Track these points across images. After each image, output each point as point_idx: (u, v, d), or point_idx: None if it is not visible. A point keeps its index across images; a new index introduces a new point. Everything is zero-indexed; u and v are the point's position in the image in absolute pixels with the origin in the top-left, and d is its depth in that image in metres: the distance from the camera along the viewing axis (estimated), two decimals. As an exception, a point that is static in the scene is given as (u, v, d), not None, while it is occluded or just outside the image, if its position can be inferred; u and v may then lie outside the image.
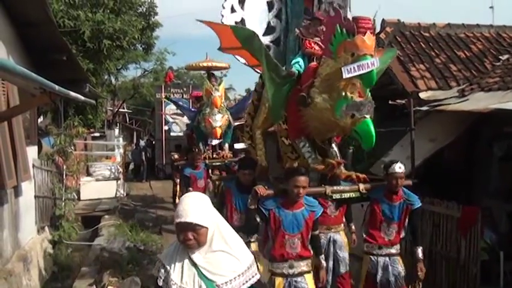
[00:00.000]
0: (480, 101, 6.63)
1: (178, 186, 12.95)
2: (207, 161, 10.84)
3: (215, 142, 11.58)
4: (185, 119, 15.15)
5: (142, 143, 26.38)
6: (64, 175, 11.78)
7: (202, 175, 10.26)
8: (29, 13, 7.72)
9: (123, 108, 33.59)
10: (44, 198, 10.10)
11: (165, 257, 2.71)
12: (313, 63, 5.23)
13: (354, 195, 5.13)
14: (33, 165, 9.36)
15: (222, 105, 11.45)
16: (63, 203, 11.01)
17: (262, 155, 5.83)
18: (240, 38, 5.28)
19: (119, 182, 15.85)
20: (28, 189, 8.77)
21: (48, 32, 8.35)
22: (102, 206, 13.92)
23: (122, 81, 30.31)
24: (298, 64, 5.28)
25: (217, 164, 11.31)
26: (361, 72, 4.34)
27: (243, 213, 5.42)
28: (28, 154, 8.67)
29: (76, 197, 13.59)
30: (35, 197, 9.39)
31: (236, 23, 5.69)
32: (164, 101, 21.37)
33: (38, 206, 9.50)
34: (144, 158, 22.74)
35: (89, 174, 16.33)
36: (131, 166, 24.24)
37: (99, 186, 15.26)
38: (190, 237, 2.49)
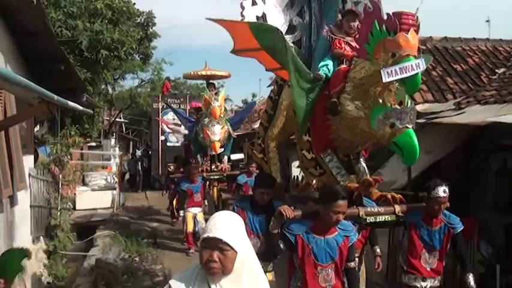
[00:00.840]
0: (476, 114, 6.66)
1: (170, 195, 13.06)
2: (204, 174, 10.50)
3: (214, 152, 10.96)
4: (183, 130, 15.00)
5: (138, 153, 26.35)
6: (60, 184, 11.73)
7: (199, 189, 9.96)
8: (27, 23, 7.74)
9: (120, 118, 33.53)
10: (39, 208, 10.05)
11: (177, 282, 2.23)
12: (344, 66, 4.64)
13: (389, 219, 4.43)
14: (30, 175, 9.32)
15: (222, 115, 10.91)
16: (58, 213, 10.96)
17: (276, 171, 5.37)
18: (258, 36, 4.75)
19: (114, 192, 15.79)
20: (24, 198, 8.73)
21: (46, 42, 8.37)
22: (97, 216, 13.86)
23: (118, 91, 30.20)
24: (326, 67, 4.72)
25: (216, 177, 10.90)
26: (404, 75, 3.83)
27: (260, 237, 4.81)
28: (24, 163, 8.65)
29: (71, 206, 13.51)
30: (31, 206, 9.34)
31: (257, 18, 5.09)
32: (161, 111, 21.42)
33: (33, 216, 9.44)
34: (140, 168, 22.69)
35: (84, 183, 16.28)
36: (127, 176, 24.18)
37: (95, 196, 15.20)
38: (215, 258, 2.09)
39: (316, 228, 3.92)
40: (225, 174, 10.83)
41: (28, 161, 9.34)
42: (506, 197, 7.30)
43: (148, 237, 11.68)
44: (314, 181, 5.12)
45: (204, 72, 12.28)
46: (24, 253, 4.06)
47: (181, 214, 10.16)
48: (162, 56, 29.39)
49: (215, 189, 11.37)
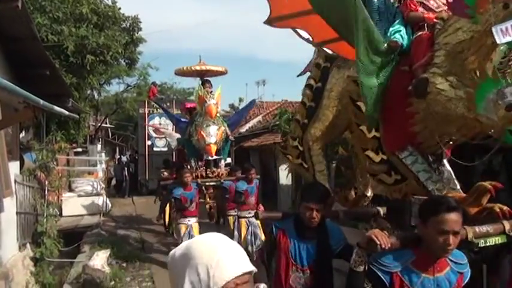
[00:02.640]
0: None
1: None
2: (199, 181, 9.50)
3: (210, 157, 10.04)
4: (176, 134, 14.36)
5: (124, 158, 26.25)
6: (46, 191, 11.63)
7: (193, 196, 9.00)
8: (12, 27, 7.68)
9: (106, 123, 33.36)
10: (25, 215, 9.95)
11: None
12: (424, 32, 3.51)
13: (499, 241, 3.20)
14: (15, 181, 9.23)
15: (218, 115, 10.01)
16: (45, 219, 10.85)
17: (325, 180, 4.39)
18: None
19: (101, 197, 15.70)
20: (10, 205, 8.64)
21: (31, 47, 8.31)
22: (84, 222, 13.76)
23: (104, 96, 30.11)
24: (399, 34, 3.63)
25: (212, 183, 9.91)
26: None
27: (306, 271, 3.57)
28: (10, 169, 8.57)
29: (58, 213, 13.41)
30: (17, 213, 9.25)
31: None
32: (148, 115, 21.37)
33: (19, 223, 9.35)
34: (126, 173, 22.61)
35: (71, 189, 16.16)
36: (113, 182, 24.08)
37: (82, 202, 15.11)
38: None
39: (420, 263, 2.70)
40: (222, 181, 9.74)
41: (14, 167, 9.25)
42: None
43: (136, 242, 11.64)
44: (370, 192, 4.46)
45: (198, 68, 11.00)
46: None
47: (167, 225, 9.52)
48: (148, 60, 29.34)
49: (209, 198, 10.64)
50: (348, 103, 4.14)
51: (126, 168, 22.94)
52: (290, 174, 13.02)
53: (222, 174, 9.99)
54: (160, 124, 21.28)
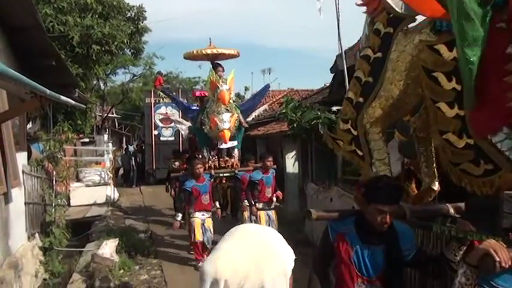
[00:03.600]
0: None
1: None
2: (212, 172, 9.13)
3: (224, 145, 9.50)
4: (187, 122, 14.21)
5: (131, 148, 26.35)
6: (54, 181, 11.71)
7: (207, 189, 8.60)
8: (18, 18, 7.70)
9: (112, 114, 33.49)
10: (34, 205, 10.02)
11: None
12: None
13: None
14: (23, 172, 9.28)
15: (231, 101, 9.48)
16: (53, 209, 10.93)
17: (386, 170, 3.72)
18: None
19: (108, 187, 15.78)
20: (18, 195, 8.70)
21: (37, 37, 8.33)
22: (92, 212, 13.84)
23: (110, 87, 30.31)
24: None
25: (226, 174, 9.49)
26: None
27: (373, 282, 2.96)
28: (18, 160, 8.62)
29: (66, 203, 13.50)
30: (25, 203, 9.31)
31: None
32: (154, 105, 21.39)
33: (28, 213, 9.42)
34: (133, 163, 22.70)
35: (78, 179, 16.24)
36: (121, 171, 24.19)
37: (89, 191, 15.17)
38: None
39: None
40: (236, 171, 9.34)
41: (21, 158, 9.30)
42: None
43: (144, 231, 11.71)
44: (437, 185, 3.84)
45: (209, 51, 10.15)
46: None
47: (178, 218, 8.71)
48: (153, 50, 29.37)
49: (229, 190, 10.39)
50: (419, 75, 3.34)
51: (133, 158, 23.03)
52: (297, 163, 13.15)
53: (236, 164, 9.44)
54: (166, 113, 21.32)
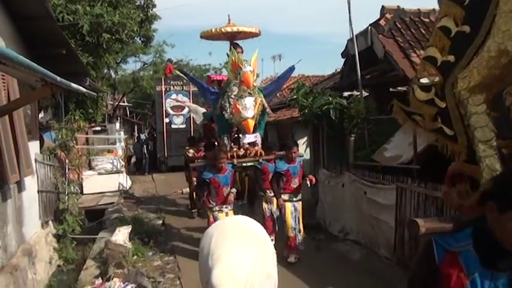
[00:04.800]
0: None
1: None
2: (235, 161, 8.30)
3: (248, 139, 8.68)
4: (201, 108, 13.65)
5: (142, 136, 26.47)
6: (66, 169, 11.80)
7: (228, 180, 7.89)
8: (28, 7, 7.71)
9: (124, 102, 33.61)
10: (47, 193, 10.12)
11: None
12: None
13: None
14: (36, 160, 9.37)
15: (255, 84, 8.66)
16: (66, 197, 11.03)
17: (493, 157, 2.64)
18: None
19: (121, 175, 15.87)
20: (31, 184, 8.78)
21: (47, 26, 8.35)
22: (105, 200, 13.94)
23: (121, 75, 30.41)
24: None
25: (249, 164, 8.63)
26: None
27: None
28: (30, 149, 8.69)
29: (79, 191, 13.62)
30: (38, 191, 9.40)
31: None
32: (165, 93, 21.39)
33: (41, 201, 9.52)
34: (145, 151, 22.80)
35: (91, 168, 16.36)
36: (133, 159, 24.33)
37: (102, 179, 15.27)
38: None
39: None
40: (260, 160, 8.51)
41: (34, 146, 9.38)
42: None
43: (156, 218, 11.78)
44: None
45: (228, 29, 9.37)
46: None
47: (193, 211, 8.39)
48: (163, 38, 29.33)
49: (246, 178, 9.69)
50: None
51: (145, 146, 23.13)
52: (308, 149, 13.11)
53: (261, 152, 8.52)
54: (176, 102, 21.31)
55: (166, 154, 21.36)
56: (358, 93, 9.71)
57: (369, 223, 8.26)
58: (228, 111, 8.29)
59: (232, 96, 8.26)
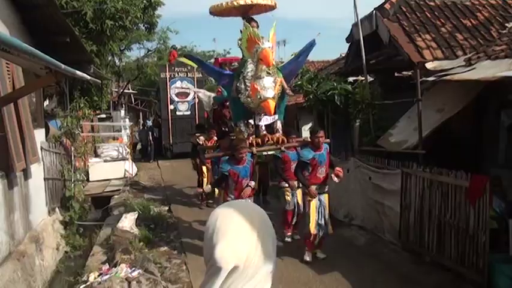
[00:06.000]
0: (487, 70, 6.56)
1: (206, 175, 10.91)
2: (254, 150, 7.34)
3: (265, 121, 7.78)
4: (210, 93, 13.15)
5: (148, 123, 26.49)
6: (72, 157, 11.85)
7: (247, 172, 7.09)
8: (31, -5, 7.70)
9: (128, 89, 33.58)
10: (53, 180, 10.18)
11: None
12: None
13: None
14: (42, 148, 9.41)
15: (274, 63, 7.61)
16: (72, 184, 11.10)
17: None
18: None
19: (127, 162, 15.93)
20: (37, 171, 8.84)
21: (50, 14, 8.34)
22: (111, 187, 14.01)
23: (125, 62, 30.31)
24: None
25: (271, 153, 7.85)
26: None
27: None
28: (36, 137, 8.73)
29: (85, 178, 13.69)
30: (45, 179, 9.46)
31: None
32: (169, 80, 21.34)
33: (47, 188, 9.58)
34: (151, 138, 22.84)
35: (96, 155, 16.41)
36: (138, 146, 24.39)
37: (108, 167, 15.33)
38: None
39: None
40: (282, 148, 7.62)
41: (39, 134, 9.42)
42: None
43: (162, 204, 11.83)
44: None
45: (241, 2, 8.15)
46: None
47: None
48: (167, 24, 29.21)
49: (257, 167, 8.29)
50: None
51: (150, 133, 23.16)
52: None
53: (283, 139, 7.69)
54: (182, 88, 21.27)
55: (171, 141, 21.37)
56: (363, 78, 9.67)
57: (374, 208, 8.27)
58: (246, 93, 7.38)
59: (249, 76, 7.36)
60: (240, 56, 8.48)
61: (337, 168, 7.13)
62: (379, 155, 8.48)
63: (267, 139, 7.61)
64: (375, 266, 6.94)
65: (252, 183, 7.24)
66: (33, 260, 7.32)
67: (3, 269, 6.12)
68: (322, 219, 7.12)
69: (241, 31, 7.82)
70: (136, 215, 9.24)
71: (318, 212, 7.11)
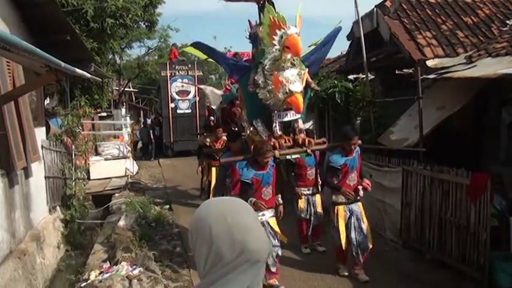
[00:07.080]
0: (488, 67, 6.55)
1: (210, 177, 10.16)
2: (277, 153, 6.13)
3: (289, 117, 6.40)
4: (218, 90, 12.84)
5: (149, 121, 26.50)
6: (73, 155, 11.85)
7: (270, 178, 6.03)
8: (30, -7, 7.69)
9: (129, 88, 33.59)
10: (54, 179, 10.18)
11: None
12: None
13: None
14: (42, 146, 9.41)
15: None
16: (73, 183, 11.10)
17: None
18: None
19: (127, 160, 15.92)
20: (38, 170, 8.83)
21: (50, 12, 8.33)
22: (112, 185, 14.01)
23: (126, 61, 30.32)
24: None
25: (295, 156, 6.75)
26: None
27: None
28: (36, 135, 8.73)
29: (86, 176, 13.69)
30: (45, 177, 9.46)
31: None
32: (170, 78, 21.31)
33: (48, 186, 9.58)
34: (152, 136, 22.84)
35: (97, 153, 16.41)
36: (139, 145, 24.40)
37: (109, 165, 15.32)
38: None
39: None
40: (309, 151, 6.41)
41: (40, 133, 9.42)
42: (519, 149, 7.17)
43: (163, 202, 11.82)
44: None
45: None
46: None
47: None
48: (167, 22, 29.21)
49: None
50: None
51: (151, 131, 23.16)
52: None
53: (309, 141, 6.43)
54: (182, 86, 21.25)
55: (172, 139, 21.36)
56: (364, 76, 9.66)
57: (375, 206, 8.26)
58: (266, 88, 6.11)
59: (270, 68, 6.03)
60: (247, 52, 7.52)
61: (366, 181, 6.39)
62: (380, 152, 8.47)
63: (284, 141, 6.40)
64: (376, 263, 6.93)
65: (280, 200, 6.39)
66: (34, 259, 7.33)
67: (4, 267, 6.13)
68: (355, 232, 6.22)
69: (259, 16, 6.89)
70: (137, 213, 9.24)
71: (350, 223, 6.25)
